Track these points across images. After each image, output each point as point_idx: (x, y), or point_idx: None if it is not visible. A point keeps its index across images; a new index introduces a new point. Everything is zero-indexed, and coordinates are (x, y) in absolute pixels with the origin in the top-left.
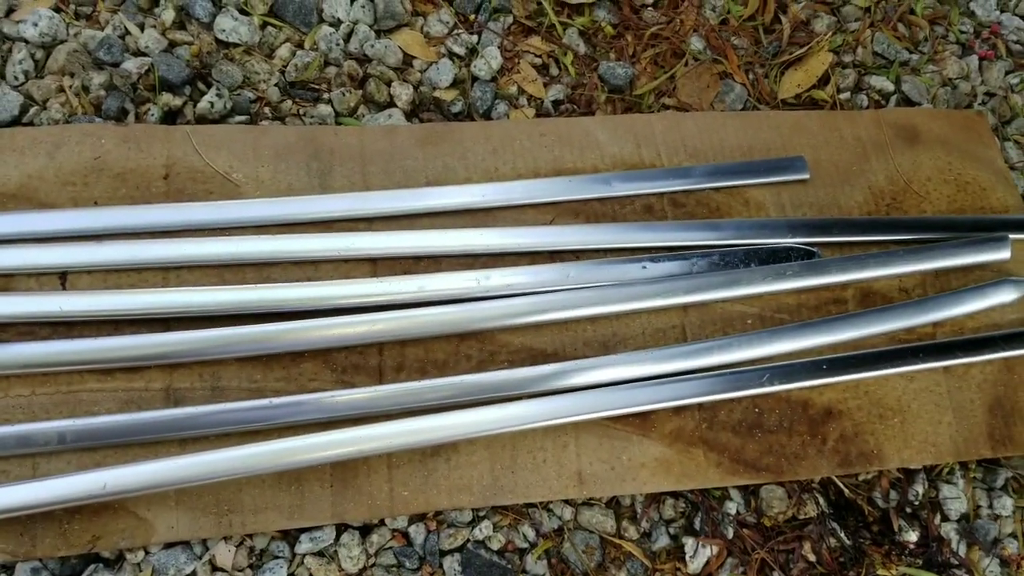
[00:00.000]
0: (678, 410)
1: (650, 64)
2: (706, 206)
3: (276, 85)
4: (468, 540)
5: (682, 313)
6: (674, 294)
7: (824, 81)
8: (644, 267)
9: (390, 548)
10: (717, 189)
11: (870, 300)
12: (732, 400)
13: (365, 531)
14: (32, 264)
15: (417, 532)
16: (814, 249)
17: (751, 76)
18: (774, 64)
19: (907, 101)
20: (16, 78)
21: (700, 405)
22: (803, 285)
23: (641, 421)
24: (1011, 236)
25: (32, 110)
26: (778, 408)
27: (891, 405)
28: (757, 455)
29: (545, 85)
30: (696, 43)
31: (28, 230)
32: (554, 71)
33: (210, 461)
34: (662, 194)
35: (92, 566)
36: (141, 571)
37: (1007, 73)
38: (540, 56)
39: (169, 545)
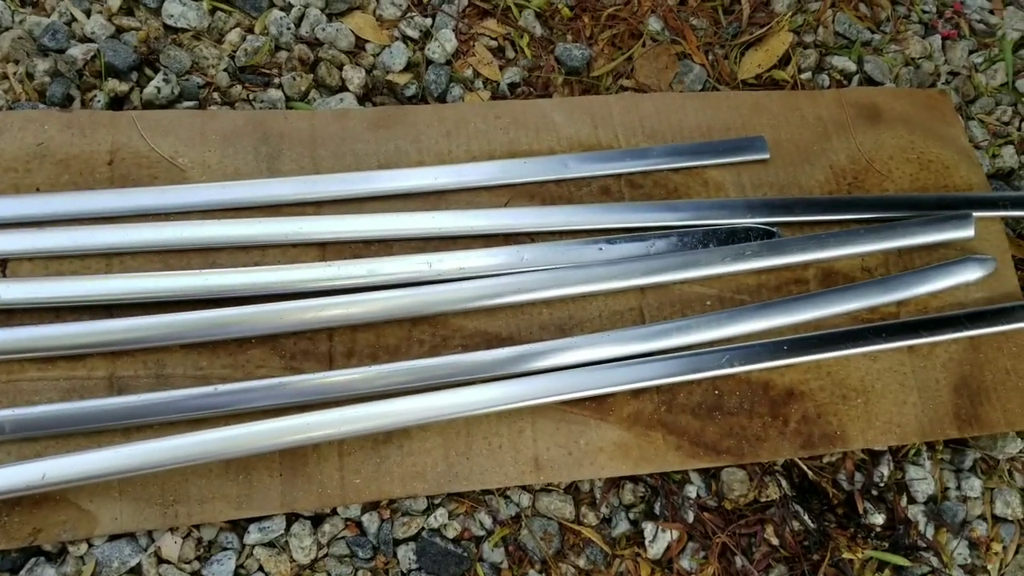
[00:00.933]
0: (636, 393)
1: (607, 46)
2: (664, 187)
3: (225, 70)
4: (423, 529)
5: (640, 295)
6: (631, 276)
7: (785, 61)
8: (600, 249)
9: (343, 538)
10: (675, 170)
11: (832, 280)
12: (691, 382)
13: (317, 521)
14: None
15: (371, 521)
16: (774, 229)
17: (711, 57)
18: (734, 45)
19: (869, 81)
20: None
21: (659, 388)
22: (763, 265)
23: (598, 405)
24: (975, 214)
25: None
26: (739, 390)
27: (854, 386)
28: (717, 438)
29: (501, 68)
30: (654, 24)
31: None
32: (510, 54)
33: (154, 450)
34: (619, 175)
35: (33, 559)
36: (84, 564)
37: (970, 52)
38: (496, 39)
39: (113, 537)
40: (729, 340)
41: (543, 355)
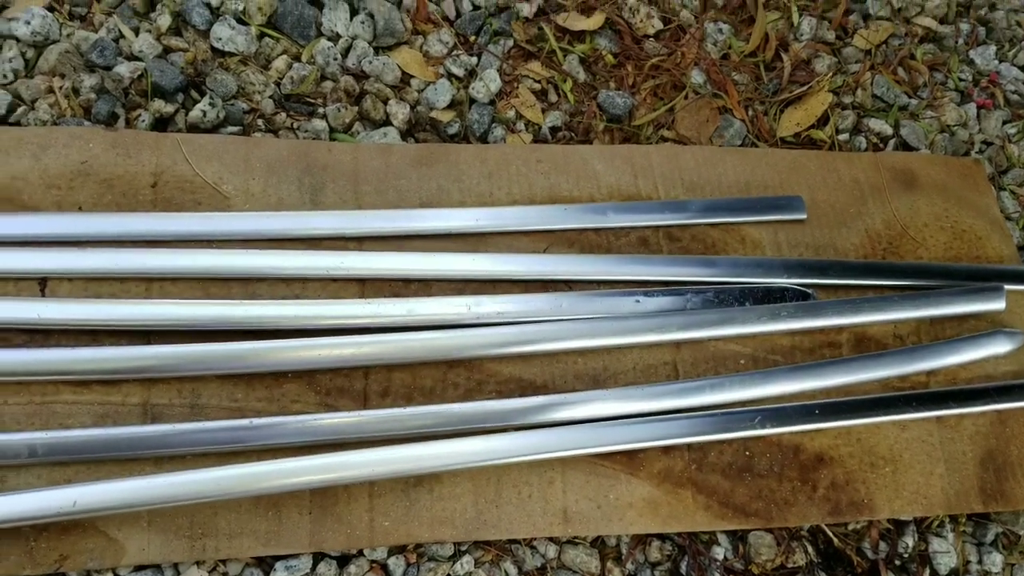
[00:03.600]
0: (667, 449)
1: (650, 95)
2: (702, 241)
3: (271, 97)
4: (449, 575)
5: (675, 350)
6: (667, 330)
7: (823, 121)
8: (638, 301)
9: None
10: (714, 225)
11: (864, 345)
12: (723, 442)
13: (343, 561)
14: (11, 268)
15: (396, 565)
16: (809, 291)
17: (750, 112)
18: (774, 102)
19: (905, 146)
20: (5, 76)
21: (690, 445)
22: (798, 327)
23: (629, 459)
24: (1006, 287)
25: (20, 110)
26: (769, 452)
27: (883, 454)
28: (746, 499)
29: (543, 111)
30: (697, 77)
31: (9, 233)
32: (553, 97)
33: (186, 482)
34: (658, 227)
35: None
36: None
37: (1005, 123)
38: (539, 81)
39: (139, 568)
40: (761, 401)
41: (576, 405)
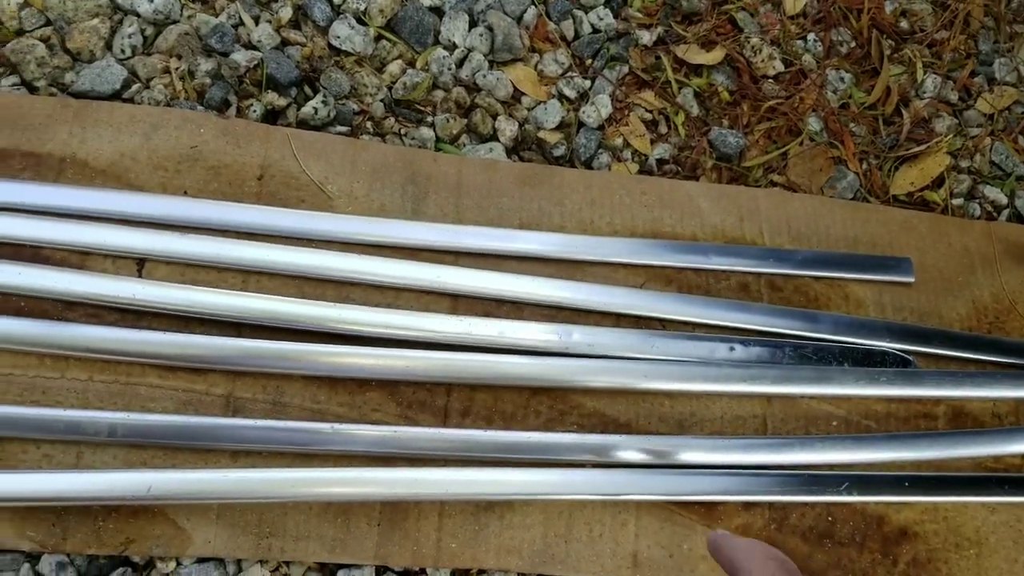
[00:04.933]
0: (748, 505)
1: (763, 137)
2: (804, 294)
3: (382, 101)
4: None
5: (766, 403)
6: (760, 382)
7: (938, 183)
8: (732, 348)
9: None
10: (818, 278)
11: (961, 420)
12: (806, 504)
13: None
14: (112, 245)
15: None
16: (910, 358)
17: (864, 166)
18: (889, 157)
19: (1019, 217)
20: (123, 51)
21: (772, 504)
22: (895, 394)
23: (708, 511)
24: None
25: (134, 87)
26: (852, 520)
27: (969, 535)
28: (824, 566)
29: (652, 142)
30: (814, 123)
31: (113, 209)
32: (663, 129)
33: (261, 480)
34: (760, 274)
35: (121, 569)
36: None
37: None
38: (651, 111)
39: (202, 560)
40: (850, 466)
41: (659, 449)
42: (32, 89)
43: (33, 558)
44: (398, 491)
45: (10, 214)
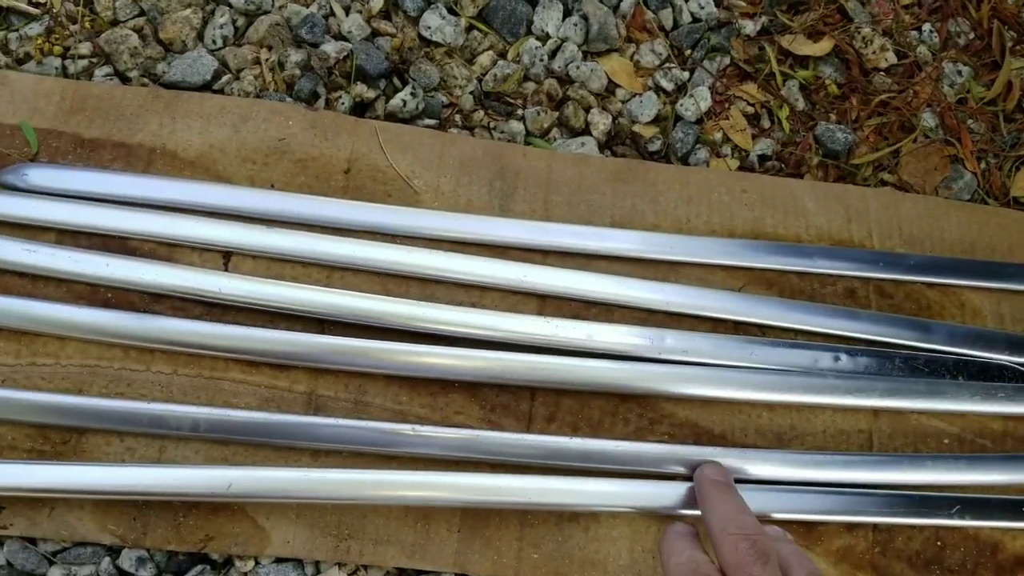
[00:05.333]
0: (851, 526)
1: (873, 133)
2: (916, 302)
3: (471, 93)
4: None
5: (872, 417)
6: (867, 395)
7: None
8: (838, 358)
9: None
10: (931, 285)
11: None
12: (913, 527)
13: None
14: (199, 238)
15: None
16: None
17: (983, 165)
18: (1009, 156)
19: None
20: (214, 42)
21: (876, 526)
22: (1014, 411)
23: (807, 531)
24: None
25: (224, 78)
26: (964, 545)
27: None
28: None
29: (753, 137)
30: (928, 119)
31: (201, 202)
32: (765, 123)
33: (343, 480)
34: (869, 279)
35: (199, 567)
36: None
37: None
38: (753, 105)
39: (280, 560)
40: (962, 487)
41: (756, 463)
42: (125, 79)
43: (113, 552)
44: (479, 497)
45: (100, 205)
